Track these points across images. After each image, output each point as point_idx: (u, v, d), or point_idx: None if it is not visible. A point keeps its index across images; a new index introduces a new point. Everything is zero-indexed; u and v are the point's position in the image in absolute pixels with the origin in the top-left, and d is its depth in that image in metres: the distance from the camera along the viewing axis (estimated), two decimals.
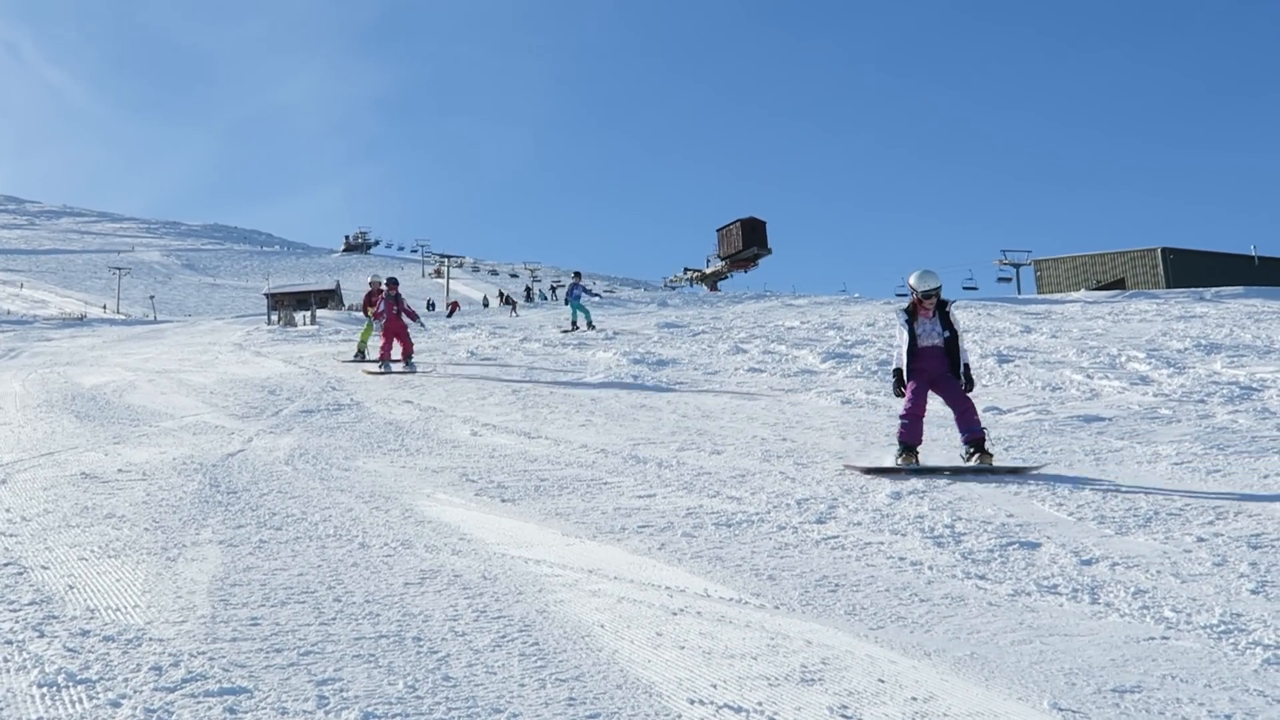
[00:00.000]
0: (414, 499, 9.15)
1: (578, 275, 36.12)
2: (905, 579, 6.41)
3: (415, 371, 22.09)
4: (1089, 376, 17.81)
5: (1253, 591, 6.00)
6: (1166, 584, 6.20)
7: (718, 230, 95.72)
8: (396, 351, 22.84)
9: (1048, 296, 62.71)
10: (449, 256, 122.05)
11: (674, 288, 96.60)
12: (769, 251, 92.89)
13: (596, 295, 36.99)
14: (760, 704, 4.35)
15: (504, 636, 5.24)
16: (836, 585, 6.26)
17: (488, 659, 4.90)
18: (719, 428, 13.52)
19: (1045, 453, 10.98)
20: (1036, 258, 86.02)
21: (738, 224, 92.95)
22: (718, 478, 9.96)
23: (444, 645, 5.10)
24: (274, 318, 63.99)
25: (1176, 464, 10.17)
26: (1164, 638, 5.26)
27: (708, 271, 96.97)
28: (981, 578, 6.40)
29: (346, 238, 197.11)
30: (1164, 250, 75.69)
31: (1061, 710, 4.28)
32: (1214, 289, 55.38)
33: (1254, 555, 6.73)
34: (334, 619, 5.52)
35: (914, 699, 4.40)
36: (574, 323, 34.25)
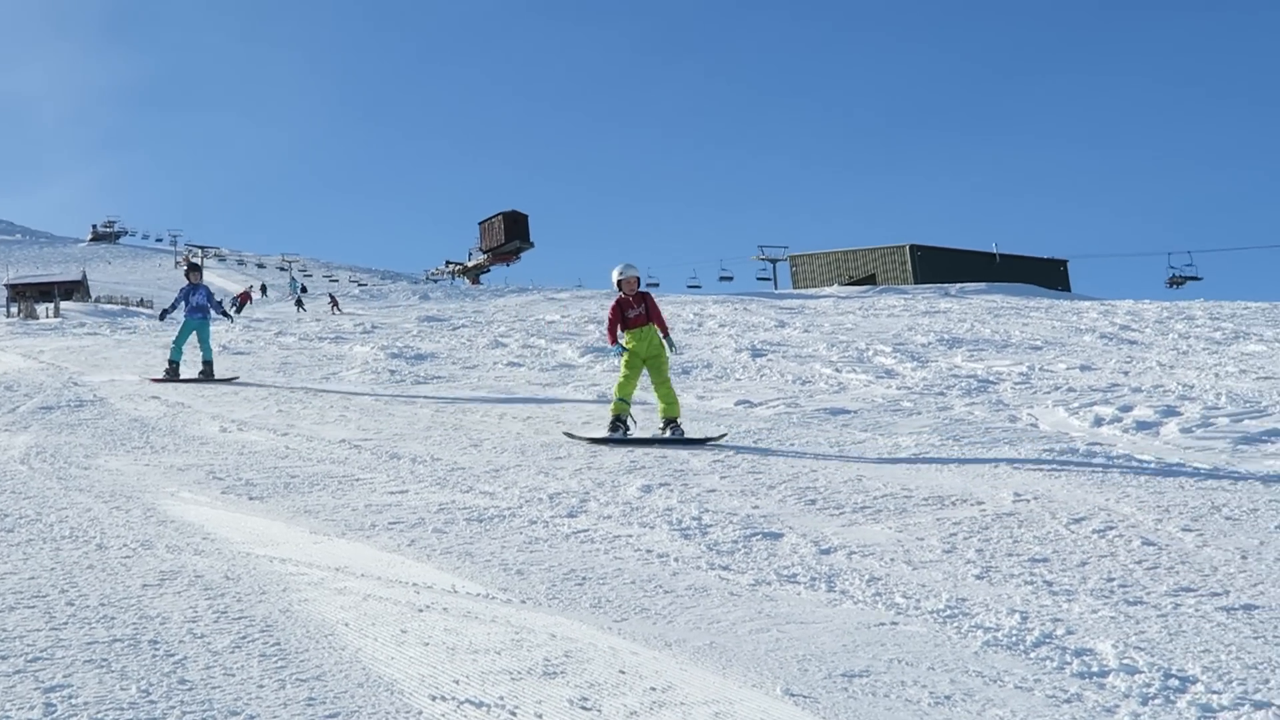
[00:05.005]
0: (157, 498, 8.89)
1: (191, 269, 21.38)
2: (651, 571, 6.52)
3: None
4: (838, 370, 18.39)
5: (977, 577, 6.28)
6: (899, 571, 6.45)
7: (480, 223, 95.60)
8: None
9: (802, 291, 64.46)
10: (203, 248, 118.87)
11: (435, 281, 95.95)
12: (530, 245, 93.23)
13: (227, 315, 21.03)
14: (502, 698, 4.38)
15: (244, 637, 5.15)
16: (584, 578, 6.33)
17: (226, 660, 4.81)
18: (475, 422, 13.50)
19: (792, 445, 11.27)
20: (793, 253, 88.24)
21: (500, 217, 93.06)
22: (472, 473, 9.95)
23: (181, 648, 4.98)
24: (13, 309, 61.31)
25: (915, 454, 10.57)
26: (893, 623, 5.47)
27: (469, 264, 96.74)
28: (725, 568, 6.55)
29: (94, 227, 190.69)
30: (912, 247, 78.55)
31: (793, 695, 4.43)
32: (958, 285, 57.80)
33: (980, 543, 7.06)
34: (65, 623, 5.34)
35: (653, 689, 4.49)
36: (174, 365, 19.11)
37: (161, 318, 21.30)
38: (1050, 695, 4.47)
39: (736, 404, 14.92)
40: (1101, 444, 10.94)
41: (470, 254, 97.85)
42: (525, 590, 6.09)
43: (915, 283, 70.78)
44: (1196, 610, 5.59)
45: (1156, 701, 4.38)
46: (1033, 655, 4.96)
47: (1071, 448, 10.66)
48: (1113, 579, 6.17)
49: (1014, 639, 5.18)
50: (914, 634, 5.30)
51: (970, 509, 8.06)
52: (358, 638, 5.18)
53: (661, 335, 12.17)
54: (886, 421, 12.93)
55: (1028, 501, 8.22)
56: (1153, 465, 9.66)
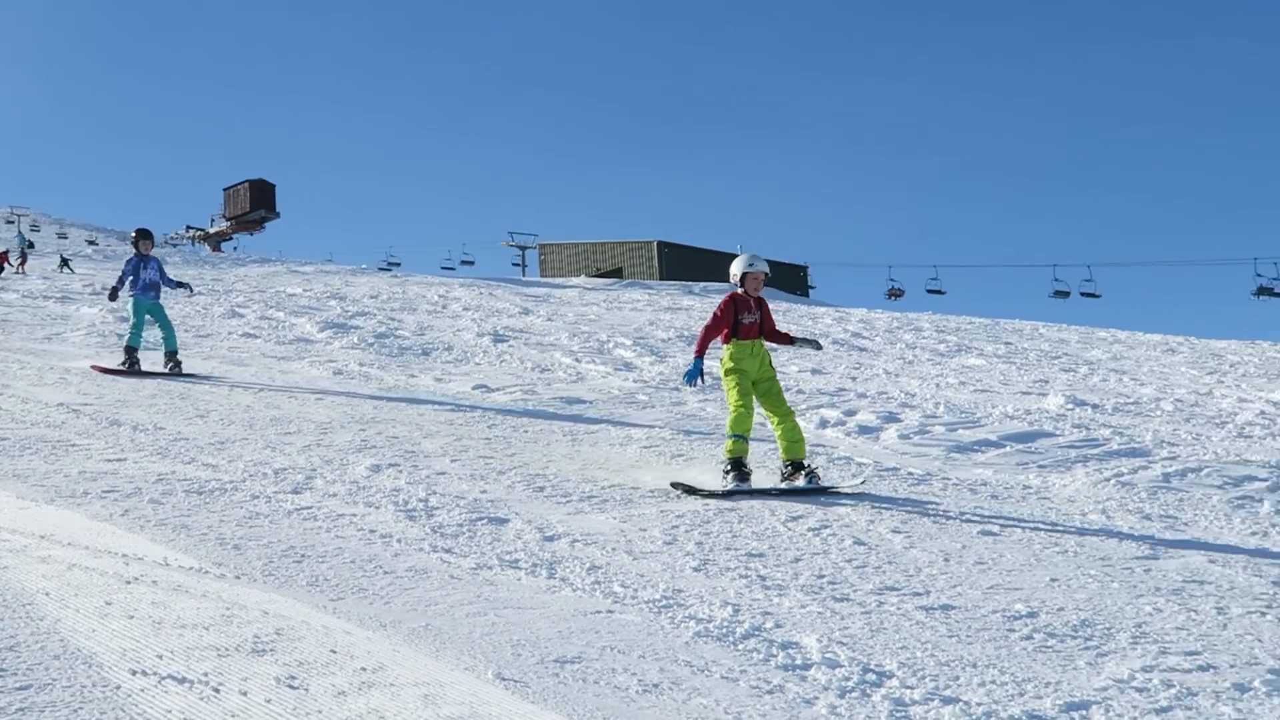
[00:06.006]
0: None
1: (142, 236, 16.70)
2: (373, 551, 6.46)
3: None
4: (578, 360, 18.50)
5: (695, 569, 6.42)
6: (619, 561, 6.55)
7: (225, 189, 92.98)
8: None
9: (550, 280, 64.70)
10: None
11: (174, 245, 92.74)
12: (276, 215, 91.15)
13: (185, 286, 17.23)
14: (206, 674, 4.28)
15: None
16: (303, 556, 6.24)
17: None
18: (203, 393, 13.14)
19: (526, 432, 11.30)
20: (542, 242, 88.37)
21: (246, 185, 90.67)
22: (195, 444, 9.69)
23: None
24: None
25: (645, 447, 10.73)
26: (610, 611, 5.55)
27: (211, 231, 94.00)
28: (448, 551, 6.54)
29: None
30: (660, 244, 79.56)
31: (504, 679, 4.45)
32: (702, 283, 58.78)
33: (700, 536, 7.21)
34: None
35: (363, 669, 4.45)
36: (132, 351, 15.45)
37: (111, 297, 16.70)
38: (754, 686, 4.59)
39: (474, 388, 14.88)
40: (825, 446, 11.28)
41: (213, 220, 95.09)
42: (241, 566, 5.97)
43: (661, 279, 71.74)
44: (898, 609, 5.82)
45: (854, 695, 4.55)
46: (741, 647, 5.09)
47: None
48: (823, 576, 6.38)
49: (724, 630, 5.30)
50: (629, 623, 5.38)
51: (694, 503, 8.23)
52: (58, 608, 4.99)
53: (784, 343, 9.74)
54: (620, 413, 13.08)
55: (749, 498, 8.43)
56: (870, 468, 10.02)
